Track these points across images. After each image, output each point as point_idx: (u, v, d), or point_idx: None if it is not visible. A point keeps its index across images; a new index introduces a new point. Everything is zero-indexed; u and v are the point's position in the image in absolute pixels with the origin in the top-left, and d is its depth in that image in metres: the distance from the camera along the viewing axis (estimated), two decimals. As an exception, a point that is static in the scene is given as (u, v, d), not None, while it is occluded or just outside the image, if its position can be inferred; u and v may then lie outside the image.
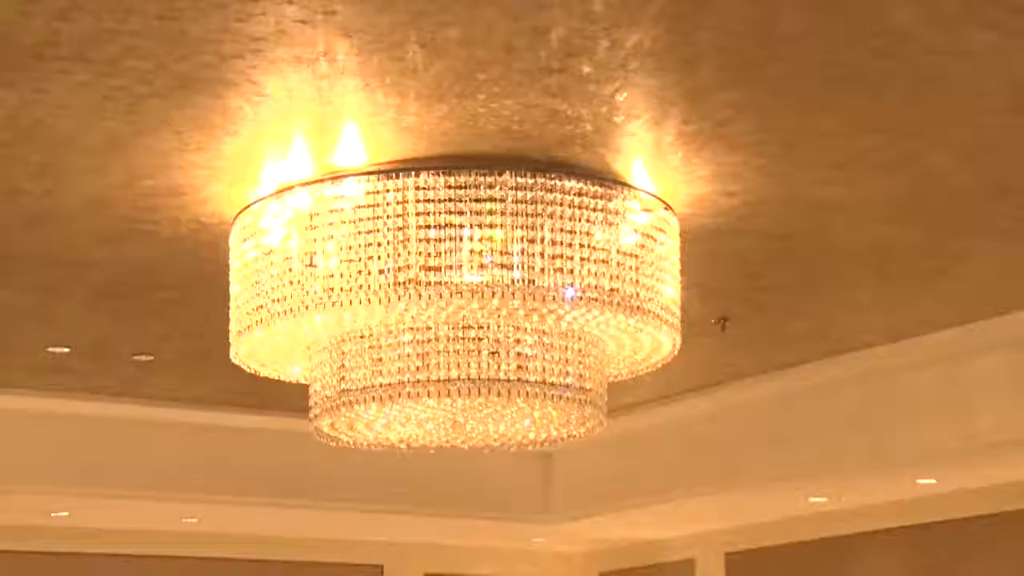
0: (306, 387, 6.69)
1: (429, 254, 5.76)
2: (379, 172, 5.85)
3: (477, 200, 5.77)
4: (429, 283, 5.79)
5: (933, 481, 9.63)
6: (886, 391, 8.96)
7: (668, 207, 6.27)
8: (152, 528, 10.29)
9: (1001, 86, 5.44)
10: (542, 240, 5.80)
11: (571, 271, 5.83)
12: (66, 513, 9.83)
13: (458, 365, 6.21)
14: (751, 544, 11.08)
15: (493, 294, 5.86)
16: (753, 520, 10.85)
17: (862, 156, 6.12)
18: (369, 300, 5.82)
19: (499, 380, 6.27)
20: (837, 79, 5.40)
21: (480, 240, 5.80)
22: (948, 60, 5.19)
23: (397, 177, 5.79)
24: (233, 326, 6.29)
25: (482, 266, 5.82)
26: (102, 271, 7.14)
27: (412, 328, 6.18)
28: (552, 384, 6.34)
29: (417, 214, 5.75)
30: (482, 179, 5.79)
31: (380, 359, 6.27)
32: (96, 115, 5.43)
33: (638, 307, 6.05)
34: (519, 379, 6.30)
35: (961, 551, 9.94)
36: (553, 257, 5.80)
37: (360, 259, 5.78)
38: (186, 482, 9.63)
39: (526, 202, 5.80)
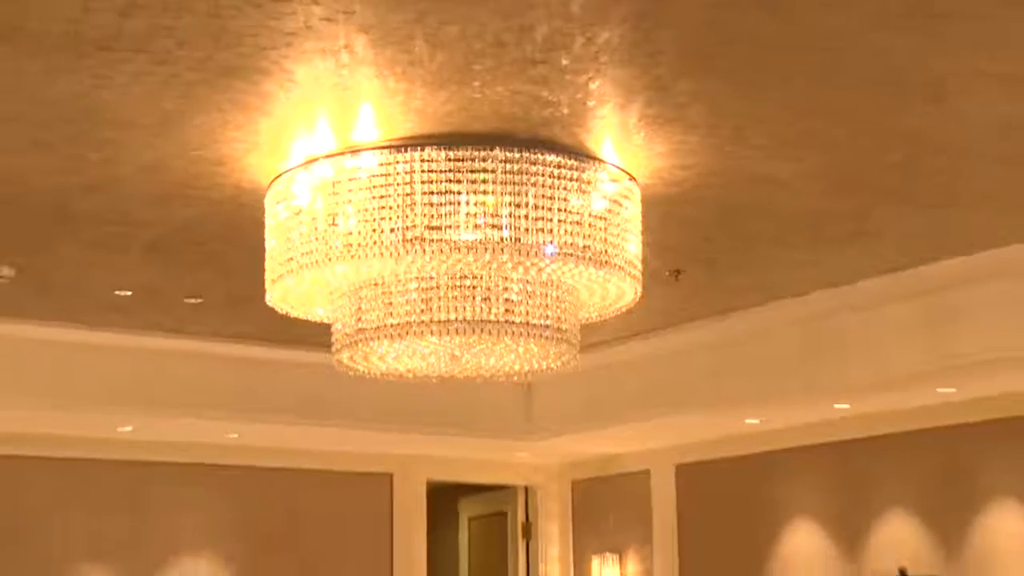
0: (329, 326, 6.76)
1: (432, 216, 5.79)
2: (390, 147, 5.87)
3: (472, 171, 5.81)
4: (432, 240, 5.83)
5: (847, 406, 9.70)
6: (815, 332, 9.01)
7: (632, 178, 6.30)
8: (200, 441, 10.34)
9: (919, 81, 5.46)
10: (526, 205, 5.83)
11: (551, 231, 5.87)
12: (129, 428, 9.88)
13: (456, 309, 6.27)
14: (697, 458, 11.13)
15: (485, 250, 5.90)
16: (699, 438, 10.92)
17: (800, 138, 6.13)
18: (382, 254, 5.85)
19: (490, 321, 6.34)
20: (780, 72, 5.41)
21: (475, 204, 5.82)
22: (874, 58, 5.23)
23: (405, 151, 5.82)
24: (268, 275, 6.32)
25: (476, 226, 5.84)
26: (156, 228, 7.16)
27: (417, 277, 6.22)
28: (534, 325, 6.41)
29: (422, 182, 5.78)
30: (477, 153, 5.82)
31: (391, 303, 6.32)
32: (153, 98, 5.44)
33: (606, 261, 6.09)
34: (507, 321, 6.37)
35: (872, 463, 10.05)
36: (536, 219, 5.83)
37: (374, 220, 5.81)
38: (228, 404, 9.68)
39: (513, 173, 5.83)
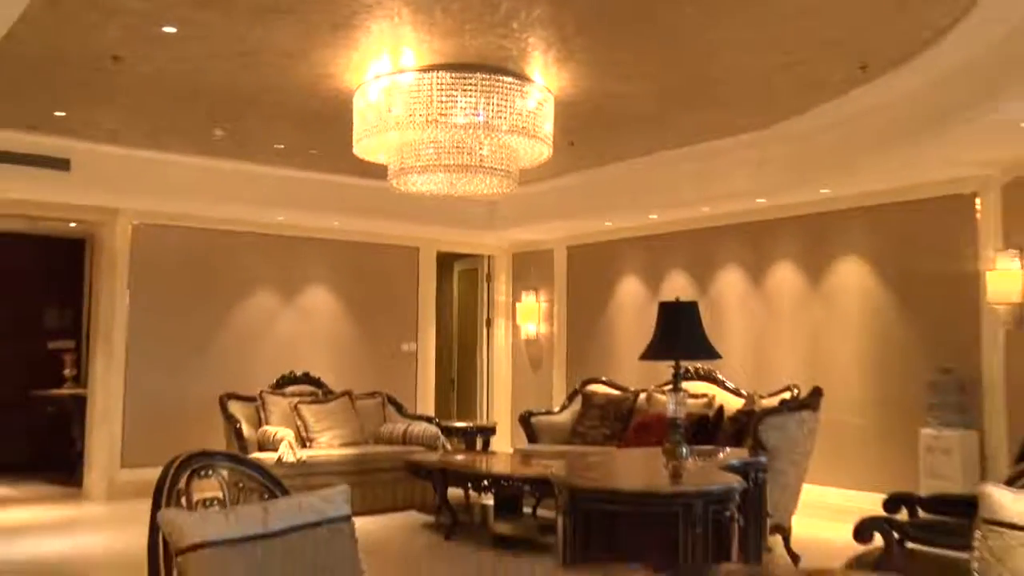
0: (386, 166, 6.77)
1: (441, 108, 5.88)
2: (420, 70, 5.93)
3: (464, 85, 5.88)
4: (441, 122, 5.93)
5: (655, 217, 9.62)
6: (649, 176, 8.91)
7: (549, 91, 6.36)
8: (319, 226, 10.08)
9: (702, 42, 5.62)
10: (492, 104, 5.92)
11: (504, 118, 5.96)
12: (282, 218, 9.75)
13: (456, 157, 6.37)
14: (578, 242, 10.86)
15: (470, 127, 6.02)
16: (579, 232, 10.66)
17: (637, 73, 6.16)
18: (413, 127, 5.99)
19: (471, 166, 6.46)
20: (627, 37, 5.55)
21: (464, 103, 5.89)
22: (680, 29, 5.39)
23: (428, 72, 5.90)
24: (355, 138, 6.36)
25: (465, 115, 5.92)
26: (298, 112, 7.09)
27: (433, 141, 6.28)
28: (495, 168, 6.53)
29: (437, 90, 5.87)
30: (467, 75, 5.89)
31: (418, 154, 6.41)
32: (297, 40, 5.51)
33: (534, 135, 6.20)
34: (480, 166, 6.47)
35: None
36: (497, 112, 5.93)
37: (412, 110, 5.91)
38: (334, 207, 9.58)
39: (486, 86, 5.91)
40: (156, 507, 2.25)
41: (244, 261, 9.81)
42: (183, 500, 2.35)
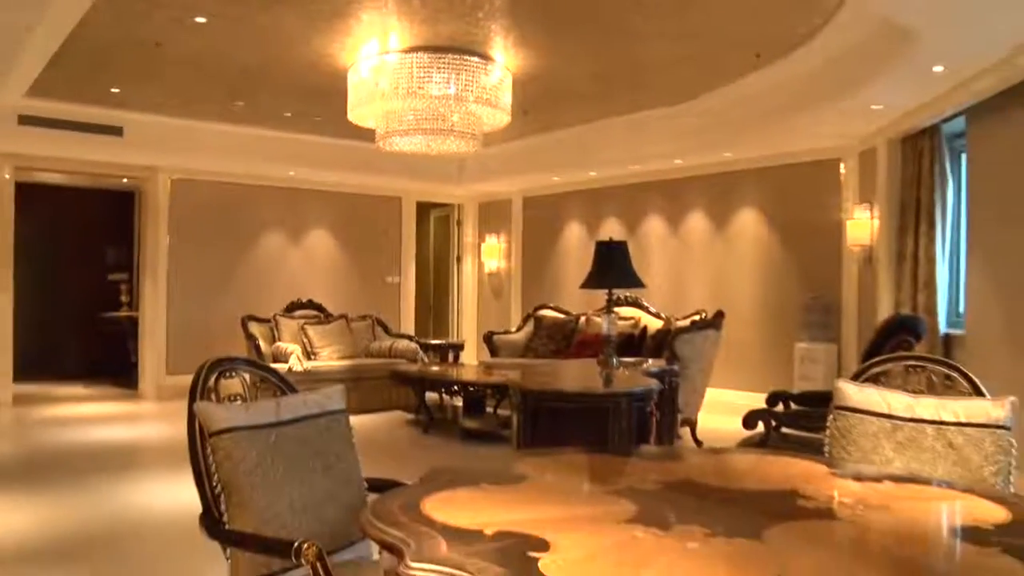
0: (374, 130, 6.65)
1: (421, 82, 5.79)
2: (402, 51, 5.81)
3: (439, 63, 5.78)
4: (420, 94, 5.84)
5: (594, 174, 9.54)
6: (588, 139, 8.77)
7: (508, 70, 6.26)
8: (319, 179, 9.87)
9: (632, 31, 5.51)
10: (462, 79, 5.84)
11: (471, 91, 5.87)
12: (292, 172, 9.48)
13: (432, 123, 6.28)
14: (532, 195, 10.66)
15: (444, 99, 5.92)
16: (534, 184, 10.48)
17: (579, 57, 6.07)
18: (398, 98, 5.90)
19: (444, 130, 6.37)
20: (569, 26, 5.47)
21: (439, 78, 5.80)
22: (612, 25, 5.35)
23: (409, 53, 5.80)
24: (349, 107, 6.26)
25: (439, 88, 5.83)
26: (302, 86, 6.95)
27: (413, 110, 6.17)
28: (463, 132, 6.44)
29: (416, 68, 5.78)
30: (441, 56, 5.79)
31: (401, 119, 6.29)
32: (302, 26, 5.39)
33: (496, 104, 6.12)
34: (451, 130, 6.38)
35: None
36: (465, 87, 5.85)
37: (396, 84, 5.81)
38: (332, 163, 9.44)
39: (457, 65, 5.82)
40: (192, 400, 2.25)
41: (260, 209, 9.74)
42: (212, 396, 2.35)
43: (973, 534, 1.66)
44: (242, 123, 8.60)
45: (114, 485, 5.12)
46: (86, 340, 10.38)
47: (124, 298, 10.30)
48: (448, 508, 1.74)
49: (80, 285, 10.49)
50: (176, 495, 4.78)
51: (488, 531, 1.57)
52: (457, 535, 1.54)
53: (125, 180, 9.61)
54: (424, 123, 6.29)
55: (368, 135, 7.07)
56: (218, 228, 9.42)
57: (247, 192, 9.62)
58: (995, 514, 1.76)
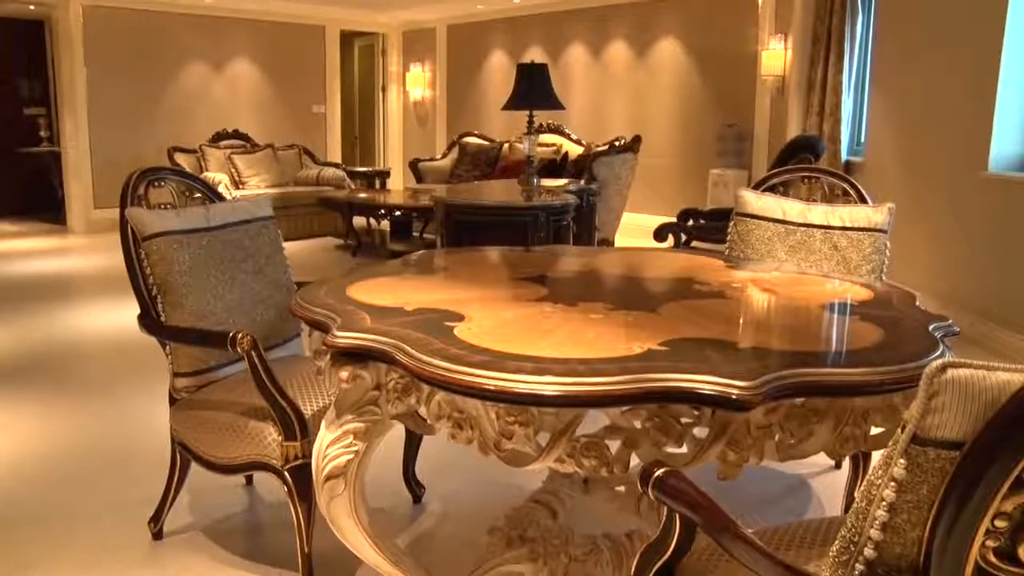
0: None
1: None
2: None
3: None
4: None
5: (517, 1, 9.20)
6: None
7: None
8: (244, 7, 9.36)
9: None
10: None
11: None
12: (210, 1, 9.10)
13: None
14: (460, 22, 10.21)
15: None
16: (461, 12, 10.00)
17: None
18: None
19: None
20: None
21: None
22: None
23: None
24: None
25: None
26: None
27: None
28: None
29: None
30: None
31: None
32: None
33: None
34: None
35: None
36: None
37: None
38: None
39: None
40: (123, 207, 2.24)
41: (181, 38, 9.20)
42: (143, 204, 2.34)
43: (840, 308, 1.85)
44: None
45: (50, 312, 5.10)
46: (8, 177, 9.86)
47: (44, 133, 9.74)
48: (371, 292, 1.84)
49: (-5, 121, 9.86)
50: (112, 319, 4.85)
51: (409, 308, 1.68)
52: (380, 312, 1.65)
53: (32, 8, 8.87)
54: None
55: None
56: (138, 59, 8.88)
57: (167, 20, 9.05)
58: (861, 294, 1.97)
